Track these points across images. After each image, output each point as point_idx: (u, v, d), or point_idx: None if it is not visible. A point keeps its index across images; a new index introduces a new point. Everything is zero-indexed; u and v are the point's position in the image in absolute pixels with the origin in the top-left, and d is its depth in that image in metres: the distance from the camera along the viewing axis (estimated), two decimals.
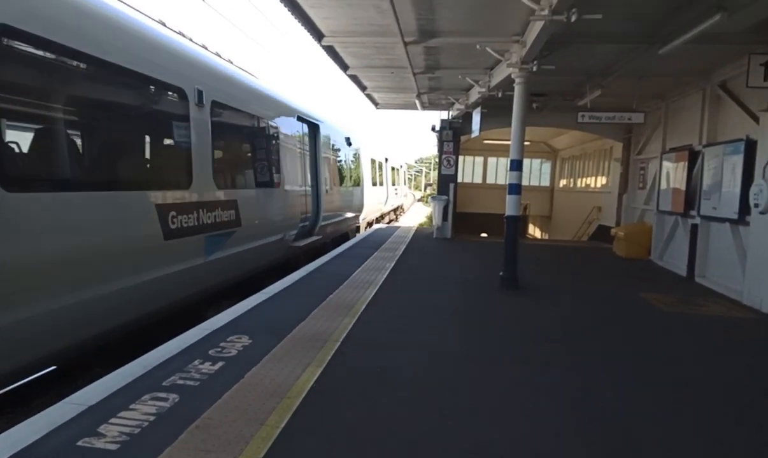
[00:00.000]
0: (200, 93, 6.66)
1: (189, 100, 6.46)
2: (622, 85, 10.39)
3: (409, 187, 53.69)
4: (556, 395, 4.10)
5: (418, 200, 59.02)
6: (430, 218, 19.51)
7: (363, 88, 13.84)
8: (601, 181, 17.16)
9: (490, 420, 3.59)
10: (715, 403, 4.12)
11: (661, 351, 5.49)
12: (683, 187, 10.22)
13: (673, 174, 10.89)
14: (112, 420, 3.24)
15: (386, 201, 25.30)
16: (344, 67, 11.11)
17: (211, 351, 4.61)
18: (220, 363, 4.33)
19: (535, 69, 8.12)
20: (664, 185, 11.37)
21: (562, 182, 21.54)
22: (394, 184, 29.13)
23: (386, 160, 25.32)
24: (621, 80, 10.00)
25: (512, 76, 8.39)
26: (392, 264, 9.88)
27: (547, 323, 6.41)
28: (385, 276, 8.68)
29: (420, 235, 15.79)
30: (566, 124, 13.85)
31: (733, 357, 5.45)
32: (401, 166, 36.54)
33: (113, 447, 2.94)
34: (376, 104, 16.41)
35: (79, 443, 2.97)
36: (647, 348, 5.57)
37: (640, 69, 9.36)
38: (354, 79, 12.51)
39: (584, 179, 18.90)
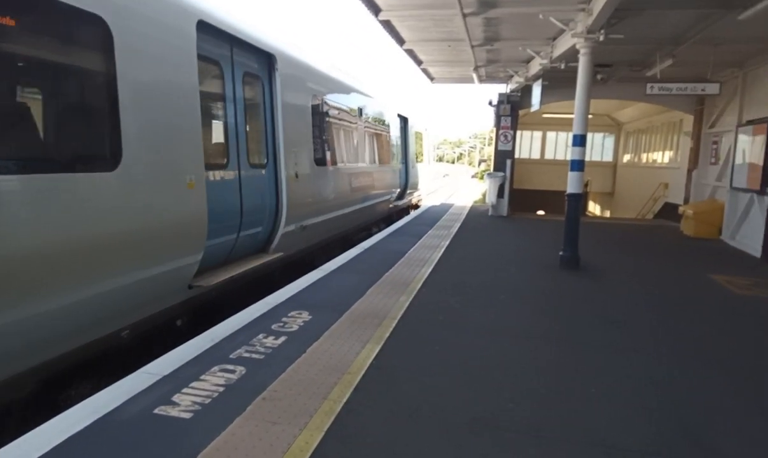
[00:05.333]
0: (361, 109, 11.45)
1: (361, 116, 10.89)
2: (696, 53, 9.72)
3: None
4: (621, 379, 3.97)
5: (472, 177, 58.12)
6: (484, 195, 19.06)
7: (419, 63, 13.63)
8: (669, 156, 16.27)
9: (551, 403, 3.52)
10: None
11: (732, 335, 5.21)
12: (761, 162, 9.53)
13: (749, 148, 10.16)
14: (185, 390, 3.41)
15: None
16: (401, 41, 10.97)
17: (273, 326, 4.75)
18: (283, 338, 4.46)
19: (601, 38, 7.74)
20: (739, 160, 10.65)
21: (626, 157, 20.57)
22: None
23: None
24: (694, 48, 9.36)
25: (577, 46, 8.02)
26: (447, 243, 9.81)
27: (610, 305, 6.20)
28: (440, 254, 8.63)
29: (475, 213, 15.58)
30: (633, 95, 13.18)
31: None
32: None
33: (187, 415, 3.09)
34: (431, 78, 16.14)
35: (156, 411, 3.14)
36: (717, 332, 5.29)
37: (717, 36, 8.72)
38: (410, 53, 12.33)
39: (650, 154, 17.97)
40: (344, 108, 10.52)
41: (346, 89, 10.65)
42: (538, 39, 10.11)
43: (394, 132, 15.04)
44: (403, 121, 16.23)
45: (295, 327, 4.74)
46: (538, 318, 5.55)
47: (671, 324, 5.54)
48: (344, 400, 3.39)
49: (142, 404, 3.21)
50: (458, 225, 12.52)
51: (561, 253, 8.11)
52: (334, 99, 9.78)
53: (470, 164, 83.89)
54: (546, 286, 6.97)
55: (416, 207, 18.65)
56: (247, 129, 6.64)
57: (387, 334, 4.67)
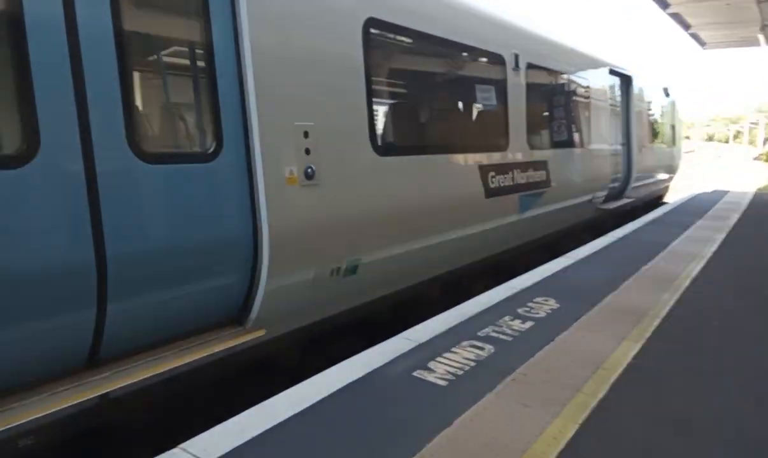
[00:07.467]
0: (516, 57, 6.83)
1: (507, 65, 6.74)
2: None
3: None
4: None
5: (755, 159, 48.67)
6: None
7: (686, 27, 11.88)
8: None
9: None
10: None
11: None
12: None
13: None
14: (439, 359, 3.64)
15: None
16: (664, 5, 9.70)
17: (519, 310, 4.73)
18: (530, 323, 4.40)
19: None
20: None
21: None
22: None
23: None
24: None
25: None
26: (723, 236, 8.36)
27: None
28: (713, 248, 7.41)
29: (760, 202, 12.94)
30: None
31: None
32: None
33: (442, 383, 3.30)
34: (702, 44, 13.94)
35: (415, 374, 3.43)
36: None
37: None
38: (676, 17, 10.85)
39: None
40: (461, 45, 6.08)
41: None
42: None
43: (603, 96, 10.16)
44: (625, 81, 11.45)
45: (542, 314, 4.64)
46: None
47: None
48: (599, 396, 3.18)
49: (402, 366, 3.54)
50: (737, 215, 10.55)
51: None
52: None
53: (751, 143, 70.14)
54: None
55: (660, 202, 14.79)
56: None
57: (648, 334, 4.21)
